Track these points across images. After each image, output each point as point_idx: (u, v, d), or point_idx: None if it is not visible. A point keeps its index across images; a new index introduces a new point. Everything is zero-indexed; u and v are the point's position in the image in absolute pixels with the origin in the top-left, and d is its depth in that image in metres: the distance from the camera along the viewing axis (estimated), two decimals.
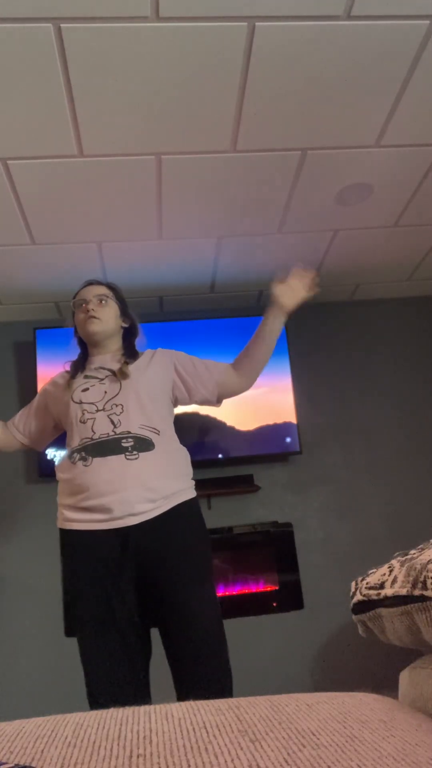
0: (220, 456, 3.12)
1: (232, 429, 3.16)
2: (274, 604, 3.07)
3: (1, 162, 2.17)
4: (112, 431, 1.71)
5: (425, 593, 0.79)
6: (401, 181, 2.55)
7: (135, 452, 1.69)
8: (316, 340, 3.53)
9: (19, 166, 2.20)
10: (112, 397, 1.78)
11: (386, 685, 1.28)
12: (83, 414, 1.76)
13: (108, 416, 1.74)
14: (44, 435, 2.02)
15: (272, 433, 3.20)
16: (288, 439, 3.21)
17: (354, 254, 3.10)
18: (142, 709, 0.71)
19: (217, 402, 1.97)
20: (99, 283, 1.97)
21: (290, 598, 3.08)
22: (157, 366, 1.89)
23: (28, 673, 2.87)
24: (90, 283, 1.96)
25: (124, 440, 1.70)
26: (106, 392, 1.79)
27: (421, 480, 3.36)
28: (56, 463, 1.88)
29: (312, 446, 3.30)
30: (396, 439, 3.41)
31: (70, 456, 1.77)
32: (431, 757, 0.58)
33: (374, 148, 2.32)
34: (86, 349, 1.95)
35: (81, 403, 1.79)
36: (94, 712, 0.71)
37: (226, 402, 2.01)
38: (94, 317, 1.85)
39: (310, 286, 1.97)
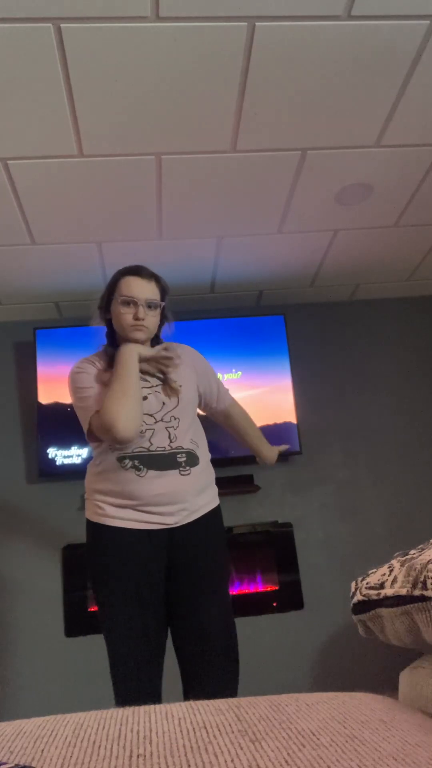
0: (219, 456, 3.12)
1: None
2: (274, 604, 3.06)
3: (1, 162, 2.17)
4: (169, 445, 1.71)
5: (425, 593, 0.79)
6: (401, 181, 2.55)
7: (188, 468, 1.72)
8: (316, 340, 3.53)
9: (19, 166, 2.20)
10: (171, 410, 1.74)
11: (386, 685, 1.28)
12: (142, 424, 1.69)
13: (166, 428, 1.72)
14: None
15: (272, 433, 3.20)
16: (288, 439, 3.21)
17: (354, 254, 3.10)
18: (142, 709, 0.71)
19: (212, 417, 2.05)
20: (149, 275, 1.79)
21: (290, 598, 3.08)
22: (189, 374, 1.84)
23: (28, 672, 2.87)
24: (138, 273, 1.78)
25: (179, 455, 1.72)
26: (164, 404, 1.74)
27: (421, 480, 3.36)
28: (93, 456, 1.81)
29: (312, 446, 3.31)
30: (396, 439, 3.41)
31: (120, 460, 1.70)
32: (431, 757, 0.58)
33: (374, 148, 2.32)
34: (113, 335, 1.85)
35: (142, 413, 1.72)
36: (94, 712, 0.71)
37: None
38: (143, 326, 1.75)
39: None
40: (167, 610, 1.72)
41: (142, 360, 1.75)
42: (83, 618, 2.93)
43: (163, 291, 1.82)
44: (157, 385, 1.77)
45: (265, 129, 2.15)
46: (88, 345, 3.19)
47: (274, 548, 3.16)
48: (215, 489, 1.86)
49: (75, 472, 3.05)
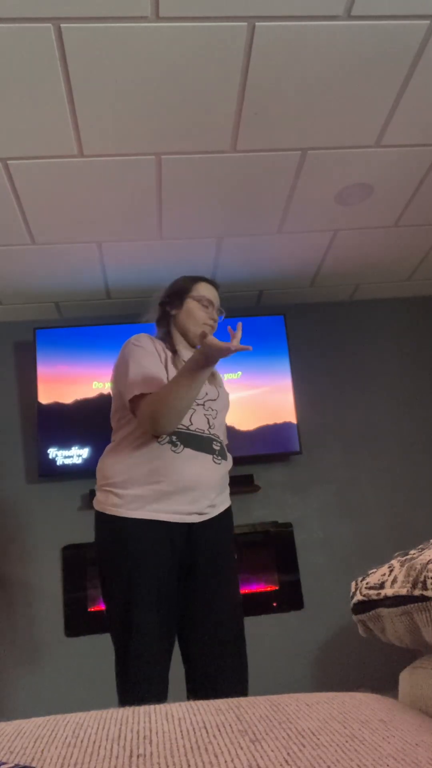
0: None
1: (232, 429, 3.15)
2: (274, 604, 3.06)
3: (1, 162, 2.17)
4: (208, 430, 1.75)
5: (425, 593, 0.79)
6: (401, 181, 2.55)
7: (220, 458, 1.76)
8: (316, 340, 3.53)
9: (19, 166, 2.20)
10: (211, 400, 1.81)
11: (386, 685, 1.28)
12: None
13: (205, 415, 1.76)
14: None
15: (272, 433, 3.20)
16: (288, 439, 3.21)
17: (354, 254, 3.10)
18: (142, 709, 0.71)
19: None
20: (217, 285, 1.96)
21: (290, 598, 3.08)
22: (220, 380, 1.97)
23: (28, 672, 2.87)
24: (212, 283, 1.95)
25: (215, 443, 1.76)
26: (207, 393, 1.80)
27: (421, 480, 3.36)
28: (114, 439, 1.77)
29: (312, 446, 3.30)
30: (396, 439, 3.41)
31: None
32: (431, 757, 0.58)
33: (374, 148, 2.32)
34: (168, 332, 1.88)
35: None
36: (94, 712, 0.71)
37: None
38: (213, 327, 1.87)
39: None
40: (183, 613, 1.70)
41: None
42: (83, 618, 2.93)
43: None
44: None
45: (265, 129, 2.15)
46: (88, 345, 3.21)
47: (274, 548, 3.17)
48: (228, 490, 1.88)
49: (75, 472, 3.05)
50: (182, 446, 1.68)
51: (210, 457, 1.72)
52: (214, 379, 1.88)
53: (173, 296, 1.90)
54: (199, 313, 1.86)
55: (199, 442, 1.71)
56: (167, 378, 1.71)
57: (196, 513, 1.69)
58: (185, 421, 1.71)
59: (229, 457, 1.85)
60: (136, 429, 1.70)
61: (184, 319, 1.86)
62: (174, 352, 1.80)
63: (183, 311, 1.87)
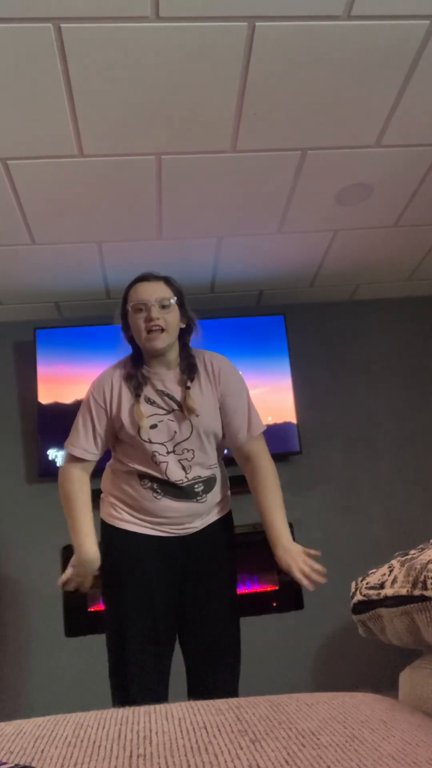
0: None
1: None
2: (274, 604, 3.06)
3: (1, 162, 2.16)
4: (185, 477, 1.69)
5: (425, 593, 0.79)
6: (401, 181, 2.54)
7: (204, 495, 1.73)
8: (316, 340, 3.53)
9: (19, 166, 2.20)
10: (182, 441, 1.67)
11: (386, 685, 1.29)
12: (154, 455, 1.66)
13: (179, 461, 1.68)
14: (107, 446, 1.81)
15: (272, 433, 3.20)
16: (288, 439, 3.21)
17: (354, 254, 3.10)
18: (142, 709, 0.71)
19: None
20: (156, 277, 1.73)
21: (290, 598, 3.08)
22: (211, 393, 1.72)
23: (28, 672, 2.87)
24: (145, 279, 1.72)
25: (196, 485, 1.71)
26: (175, 432, 1.67)
27: (421, 480, 3.35)
28: (111, 457, 1.81)
29: (312, 446, 3.30)
30: (396, 439, 3.41)
31: (140, 477, 1.70)
32: (431, 757, 0.58)
33: (374, 148, 2.32)
34: (138, 352, 1.75)
35: (151, 442, 1.65)
36: (94, 712, 0.71)
37: None
38: (160, 329, 1.64)
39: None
40: (178, 614, 1.73)
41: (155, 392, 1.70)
42: (83, 618, 2.93)
43: (178, 291, 1.73)
44: (170, 411, 1.68)
45: (265, 129, 2.15)
46: (88, 345, 3.21)
47: None
48: (228, 495, 1.86)
49: None
50: (162, 495, 1.69)
51: (192, 502, 1.71)
52: (187, 405, 1.66)
53: (123, 317, 1.75)
54: (137, 324, 1.67)
55: (178, 493, 1.70)
56: (137, 436, 1.65)
57: (185, 532, 1.73)
58: (161, 474, 1.67)
59: (220, 473, 1.79)
60: (119, 462, 1.76)
61: (135, 335, 1.71)
62: (140, 384, 1.68)
63: (132, 330, 1.71)
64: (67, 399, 3.11)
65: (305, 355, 3.45)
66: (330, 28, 1.78)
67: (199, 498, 1.72)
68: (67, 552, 3.02)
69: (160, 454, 1.66)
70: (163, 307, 1.67)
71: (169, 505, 1.69)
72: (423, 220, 2.86)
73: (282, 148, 2.26)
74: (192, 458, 1.69)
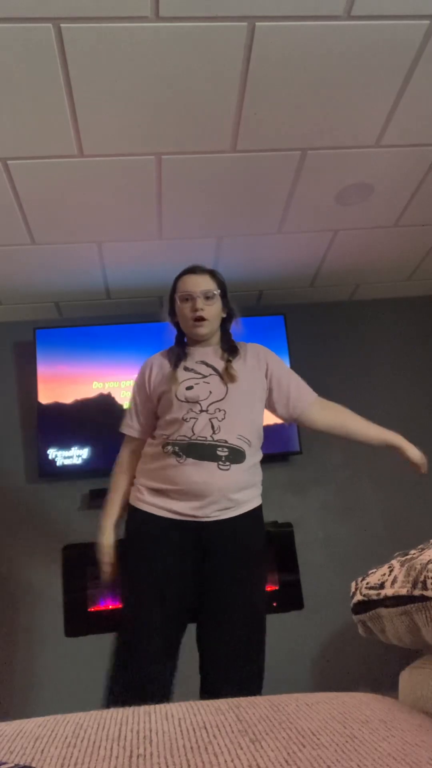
0: None
1: None
2: (274, 604, 3.06)
3: (1, 162, 2.17)
4: (210, 436, 1.72)
5: (425, 593, 0.80)
6: (401, 181, 2.54)
7: (228, 463, 1.72)
8: (316, 340, 3.53)
9: (19, 166, 2.20)
10: (217, 401, 1.76)
11: (386, 685, 1.29)
12: (187, 412, 1.75)
13: (210, 419, 1.73)
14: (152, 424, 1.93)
15: (272, 433, 3.20)
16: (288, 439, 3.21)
17: (354, 254, 3.10)
18: (142, 709, 0.71)
19: (289, 424, 2.05)
20: (203, 270, 1.91)
21: (290, 598, 3.08)
22: (256, 370, 1.88)
23: (28, 672, 2.87)
24: (193, 271, 1.90)
25: (219, 449, 1.72)
26: (211, 392, 1.77)
27: (421, 480, 3.35)
28: (149, 442, 1.88)
29: (312, 446, 3.30)
30: None
31: (164, 445, 1.76)
32: (431, 757, 0.58)
33: (374, 148, 2.32)
34: (182, 336, 1.94)
35: (186, 401, 1.76)
36: (94, 712, 0.71)
37: None
38: (203, 318, 1.82)
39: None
40: (194, 607, 1.71)
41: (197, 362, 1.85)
42: (83, 618, 2.93)
43: (221, 284, 1.90)
44: (209, 375, 1.80)
45: (265, 129, 2.15)
46: (88, 345, 3.21)
47: (274, 548, 3.16)
48: (258, 489, 1.84)
49: (75, 473, 3.05)
50: (185, 456, 1.71)
51: (214, 464, 1.70)
52: (227, 373, 1.80)
53: (170, 302, 1.94)
54: (183, 312, 1.86)
55: (201, 451, 1.71)
56: (174, 397, 1.78)
57: (206, 516, 1.71)
58: (188, 432, 1.72)
59: (252, 457, 1.79)
60: (148, 445, 1.85)
61: (180, 322, 1.91)
62: (181, 357, 1.86)
63: (179, 317, 1.90)
64: (67, 399, 3.10)
65: (305, 355, 3.44)
66: (330, 28, 1.78)
67: (221, 464, 1.70)
68: (67, 552, 3.03)
69: (192, 411, 1.75)
70: (207, 298, 1.84)
71: (189, 468, 1.70)
72: (423, 220, 2.86)
73: (282, 148, 2.26)
74: (223, 418, 1.74)
